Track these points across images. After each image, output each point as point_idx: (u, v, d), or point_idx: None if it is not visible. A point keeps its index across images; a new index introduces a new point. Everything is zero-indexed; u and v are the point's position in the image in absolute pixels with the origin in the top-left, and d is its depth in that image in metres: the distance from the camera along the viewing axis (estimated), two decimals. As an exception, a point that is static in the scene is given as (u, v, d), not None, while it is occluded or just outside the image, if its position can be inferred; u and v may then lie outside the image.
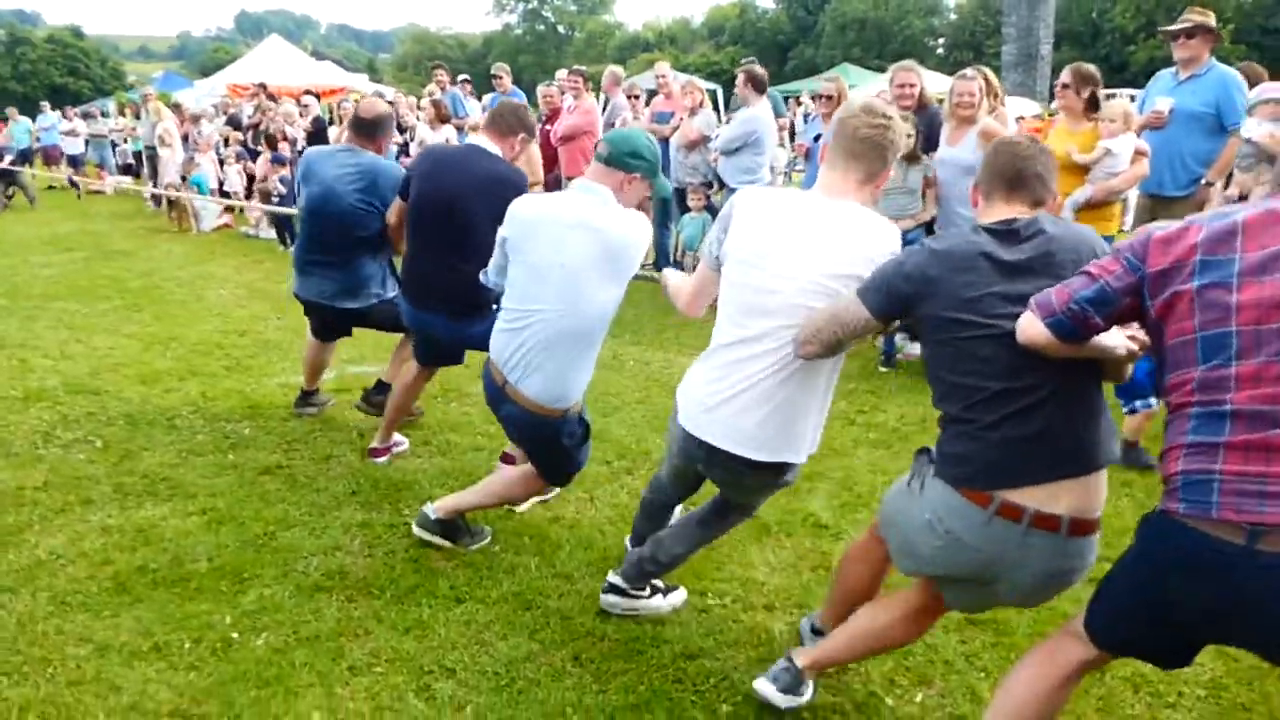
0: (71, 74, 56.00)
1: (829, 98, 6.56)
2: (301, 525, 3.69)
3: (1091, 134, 4.97)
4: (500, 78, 9.77)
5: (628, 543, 3.37)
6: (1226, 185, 5.63)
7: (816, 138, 6.55)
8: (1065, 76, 5.15)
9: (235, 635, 2.92)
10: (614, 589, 3.08)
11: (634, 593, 3.07)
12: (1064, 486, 2.09)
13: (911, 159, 5.51)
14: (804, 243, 2.47)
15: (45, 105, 19.73)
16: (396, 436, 4.47)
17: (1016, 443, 2.11)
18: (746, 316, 2.55)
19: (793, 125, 15.54)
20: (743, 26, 57.97)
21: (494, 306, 3.59)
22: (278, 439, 4.62)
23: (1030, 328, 2.03)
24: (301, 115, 12.07)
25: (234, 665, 2.77)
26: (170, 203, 12.42)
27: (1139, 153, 4.91)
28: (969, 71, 5.59)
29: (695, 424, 2.66)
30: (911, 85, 5.96)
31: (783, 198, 2.62)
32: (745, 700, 2.66)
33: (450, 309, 3.82)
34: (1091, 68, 5.15)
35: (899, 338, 5.97)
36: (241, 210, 12.17)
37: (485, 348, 3.64)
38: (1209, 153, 5.35)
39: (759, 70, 7.54)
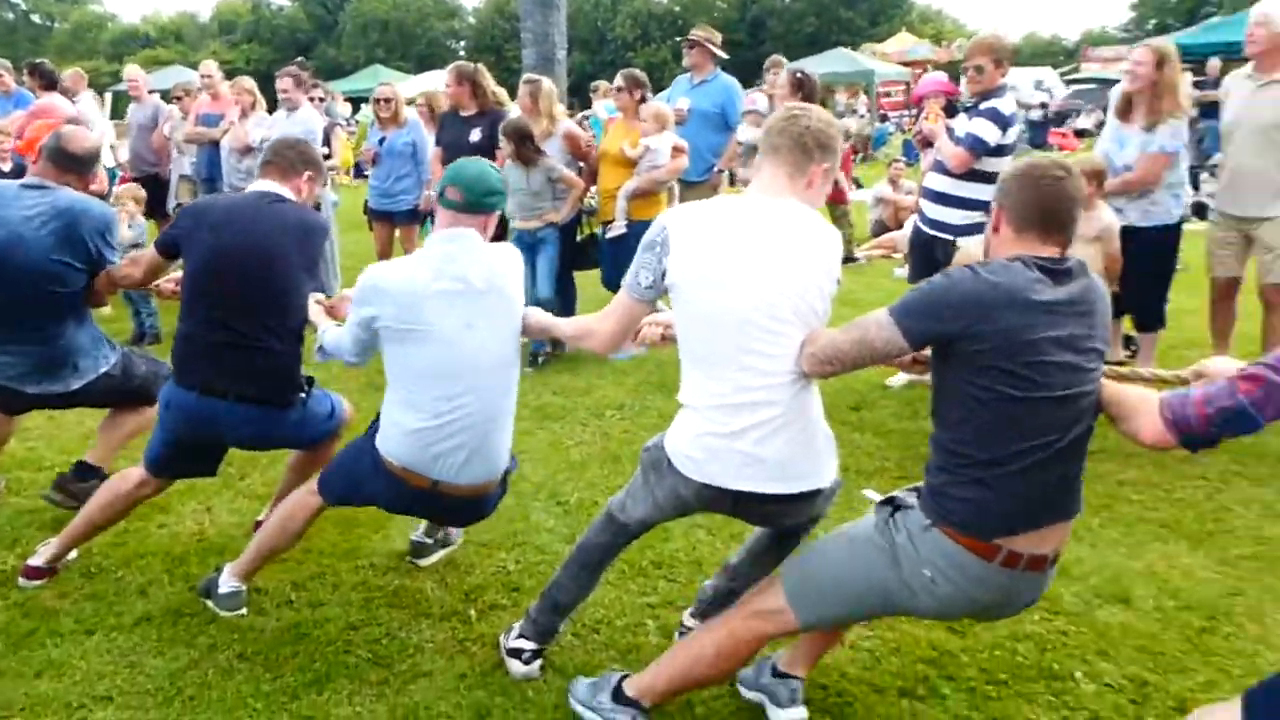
0: None
1: (387, 100, 6.78)
2: None
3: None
4: (1, 76, 8.50)
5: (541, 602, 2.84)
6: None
7: (381, 141, 6.75)
8: (618, 80, 5.94)
9: None
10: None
11: None
12: (1054, 530, 2.13)
13: (528, 161, 5.54)
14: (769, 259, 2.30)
15: None
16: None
17: (1034, 493, 2.08)
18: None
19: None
20: (257, 23, 54.78)
21: (304, 392, 3.18)
22: None
23: (1163, 438, 1.94)
24: None
25: None
26: None
27: (678, 149, 5.74)
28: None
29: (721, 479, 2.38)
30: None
31: (719, 212, 2.39)
32: (416, 650, 2.90)
33: (258, 395, 3.01)
34: (640, 73, 6.02)
35: None
36: None
37: (293, 444, 3.28)
38: (719, 145, 6.65)
39: (302, 73, 7.39)
